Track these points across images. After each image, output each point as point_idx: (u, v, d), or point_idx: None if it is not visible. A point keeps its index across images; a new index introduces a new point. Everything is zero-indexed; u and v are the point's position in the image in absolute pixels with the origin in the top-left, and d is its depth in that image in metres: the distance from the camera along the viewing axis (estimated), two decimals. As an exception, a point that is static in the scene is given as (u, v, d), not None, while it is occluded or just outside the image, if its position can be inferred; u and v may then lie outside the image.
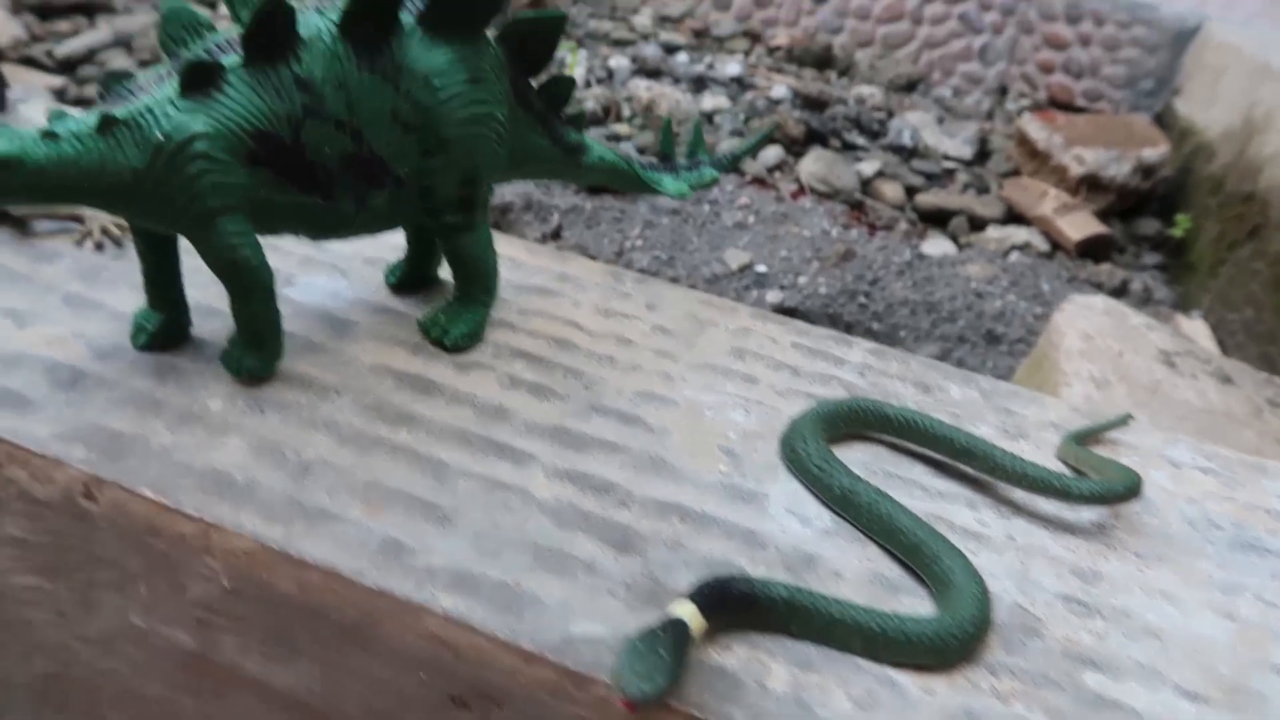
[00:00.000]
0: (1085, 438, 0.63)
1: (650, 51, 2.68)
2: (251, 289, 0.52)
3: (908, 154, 2.27)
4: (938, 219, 2.02)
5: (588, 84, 2.28)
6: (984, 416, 0.67)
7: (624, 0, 3.10)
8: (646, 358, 0.66)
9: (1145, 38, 2.71)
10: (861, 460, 0.59)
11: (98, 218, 0.69)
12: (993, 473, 0.57)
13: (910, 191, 2.10)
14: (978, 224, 2.02)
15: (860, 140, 2.30)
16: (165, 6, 0.52)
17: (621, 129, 2.13)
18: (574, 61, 2.20)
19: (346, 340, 0.62)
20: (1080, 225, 1.94)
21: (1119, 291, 1.81)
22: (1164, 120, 2.52)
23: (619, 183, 0.70)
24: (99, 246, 0.68)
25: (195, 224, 0.50)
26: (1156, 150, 2.09)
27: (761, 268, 1.64)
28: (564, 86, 0.64)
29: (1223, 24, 2.57)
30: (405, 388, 0.58)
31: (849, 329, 1.58)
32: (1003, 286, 1.71)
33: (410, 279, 0.68)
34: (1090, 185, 2.03)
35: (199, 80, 0.49)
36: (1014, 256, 1.88)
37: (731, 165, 0.73)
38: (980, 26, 2.84)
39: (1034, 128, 2.17)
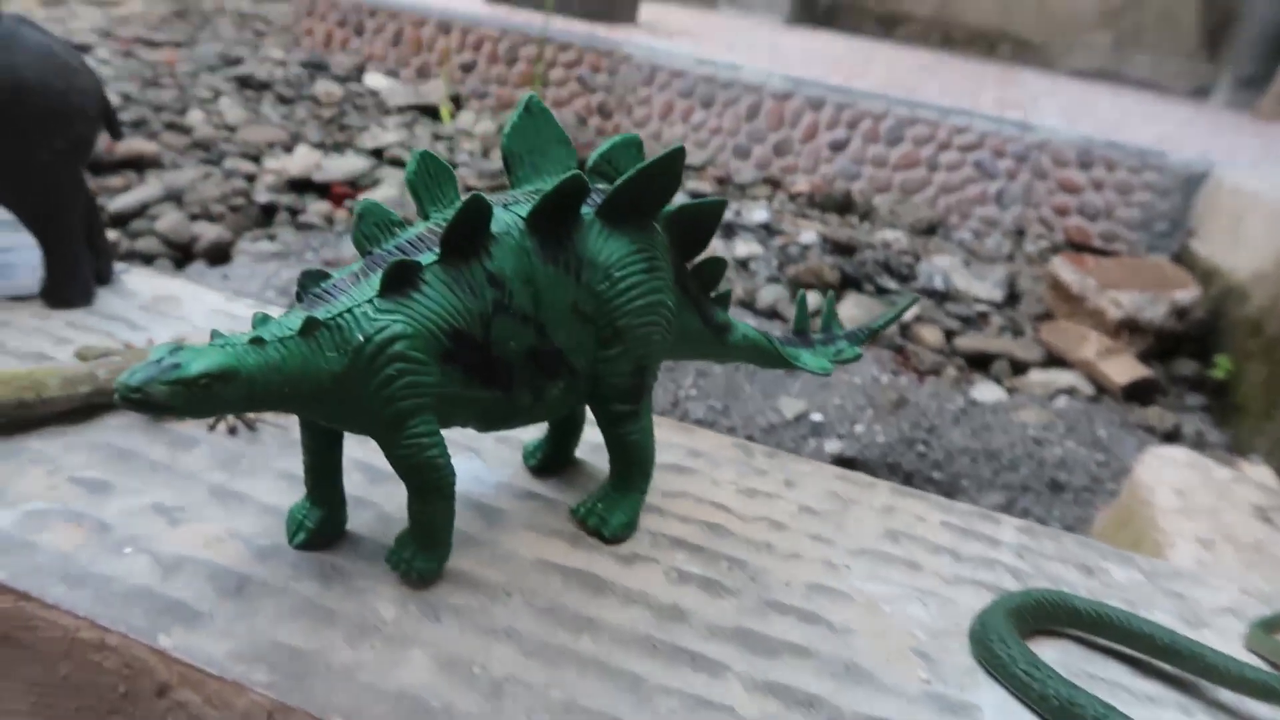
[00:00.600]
0: (1275, 626, 0.60)
1: (678, 200, 2.74)
2: (435, 490, 0.50)
3: (940, 297, 2.29)
4: (979, 362, 2.02)
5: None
6: (1155, 601, 0.64)
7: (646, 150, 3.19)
8: (803, 544, 0.63)
9: (1156, 182, 2.79)
10: (1055, 660, 0.55)
11: (229, 400, 0.67)
12: (1205, 674, 0.53)
13: (949, 335, 2.11)
14: (1019, 368, 2.03)
15: (892, 284, 2.33)
16: (360, 205, 0.51)
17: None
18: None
19: (501, 530, 0.59)
20: (1124, 369, 1.95)
21: (1172, 436, 1.79)
22: (1183, 261, 2.57)
23: (761, 360, 0.69)
24: (232, 431, 0.65)
25: (387, 425, 0.48)
26: (1188, 293, 2.12)
27: (817, 416, 1.63)
28: (717, 268, 0.63)
29: (1231, 168, 2.66)
30: (574, 586, 0.55)
31: (909, 479, 1.55)
32: (1059, 433, 1.69)
33: (551, 461, 0.66)
34: (1130, 329, 2.04)
35: (400, 281, 0.48)
36: (1061, 401, 1.87)
37: (869, 338, 0.72)
38: (995, 172, 2.93)
39: (1066, 271, 2.20)
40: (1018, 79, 4.59)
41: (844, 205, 2.94)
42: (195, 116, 2.69)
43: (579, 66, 3.25)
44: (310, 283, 0.49)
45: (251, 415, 0.67)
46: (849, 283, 2.26)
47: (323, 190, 2.32)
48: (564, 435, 0.66)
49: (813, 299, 2.13)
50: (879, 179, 3.04)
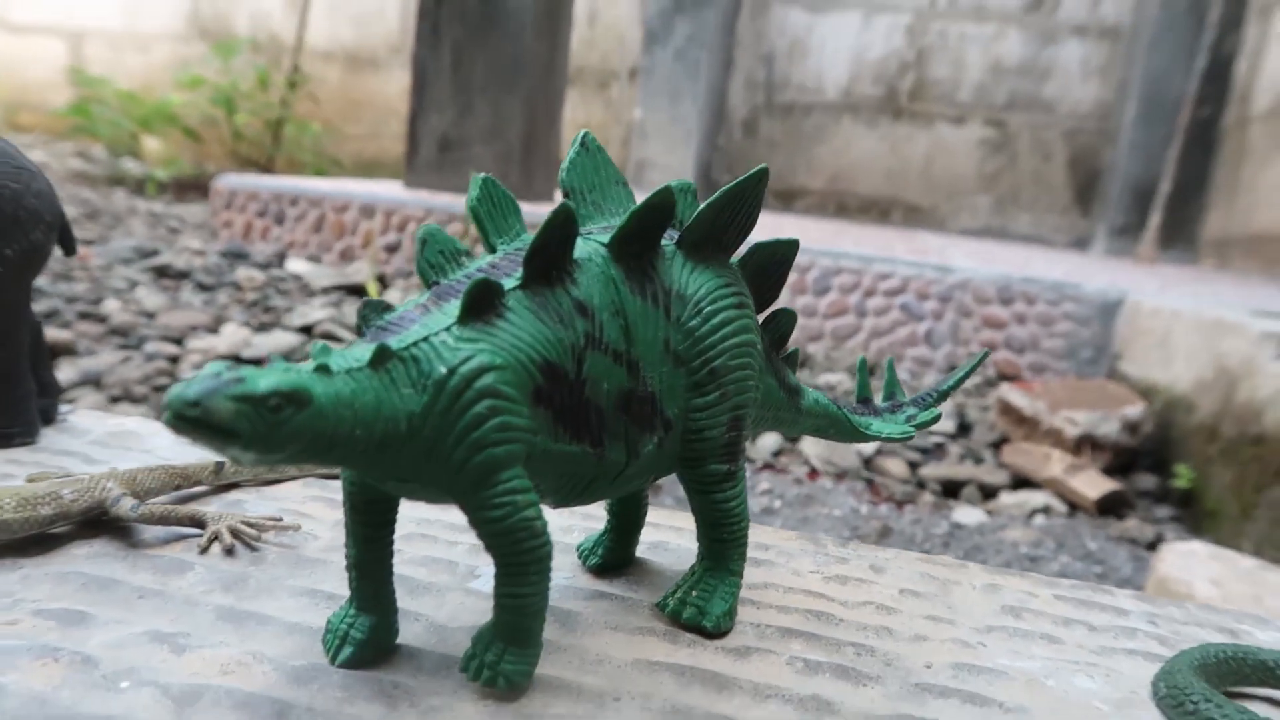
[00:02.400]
0: None
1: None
2: (532, 563, 0.40)
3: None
4: (950, 490, 1.98)
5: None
6: (1315, 658, 0.56)
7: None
8: (922, 625, 0.54)
9: (1075, 312, 2.90)
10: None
11: (224, 518, 0.56)
12: None
13: (912, 466, 2.07)
14: (989, 492, 1.99)
15: (847, 422, 2.29)
16: (422, 231, 0.44)
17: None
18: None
19: (581, 634, 0.48)
20: (1094, 484, 1.93)
21: (1154, 544, 1.76)
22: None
23: (832, 429, 0.61)
24: (229, 551, 0.54)
25: (474, 479, 0.39)
26: (1135, 408, 2.15)
27: (806, 551, 1.54)
28: (789, 322, 0.57)
29: (1142, 295, 2.78)
30: (691, 684, 0.45)
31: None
32: (1051, 549, 1.64)
33: (614, 559, 0.57)
34: (1091, 445, 2.04)
35: (482, 305, 0.40)
36: (1040, 519, 1.83)
37: (940, 399, 0.66)
38: (921, 314, 3.00)
39: (1016, 396, 2.22)
40: (917, 237, 4.84)
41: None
42: (111, 305, 2.58)
43: (505, 240, 3.27)
44: (372, 314, 0.41)
45: (251, 532, 0.55)
46: (805, 423, 2.21)
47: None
48: (627, 528, 0.57)
49: (772, 437, 2.07)
50: (810, 328, 3.08)
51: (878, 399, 0.65)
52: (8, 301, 0.68)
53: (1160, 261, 4.94)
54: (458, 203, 3.35)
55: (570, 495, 0.45)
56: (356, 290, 3.05)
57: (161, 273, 2.98)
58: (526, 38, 3.67)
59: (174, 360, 2.20)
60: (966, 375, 0.66)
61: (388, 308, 0.41)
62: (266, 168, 5.49)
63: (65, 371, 1.97)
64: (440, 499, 0.40)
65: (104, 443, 0.73)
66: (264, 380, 0.33)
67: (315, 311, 2.67)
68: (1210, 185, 5.20)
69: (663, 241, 0.48)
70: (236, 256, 3.29)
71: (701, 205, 0.49)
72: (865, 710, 0.44)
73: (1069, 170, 5.94)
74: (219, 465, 0.64)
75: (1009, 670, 0.50)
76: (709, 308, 0.47)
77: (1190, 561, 1.14)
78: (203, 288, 2.91)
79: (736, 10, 6.37)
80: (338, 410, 0.35)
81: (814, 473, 1.93)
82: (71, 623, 0.45)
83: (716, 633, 0.49)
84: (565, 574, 0.56)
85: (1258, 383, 1.84)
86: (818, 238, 3.90)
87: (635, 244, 0.46)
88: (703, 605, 0.50)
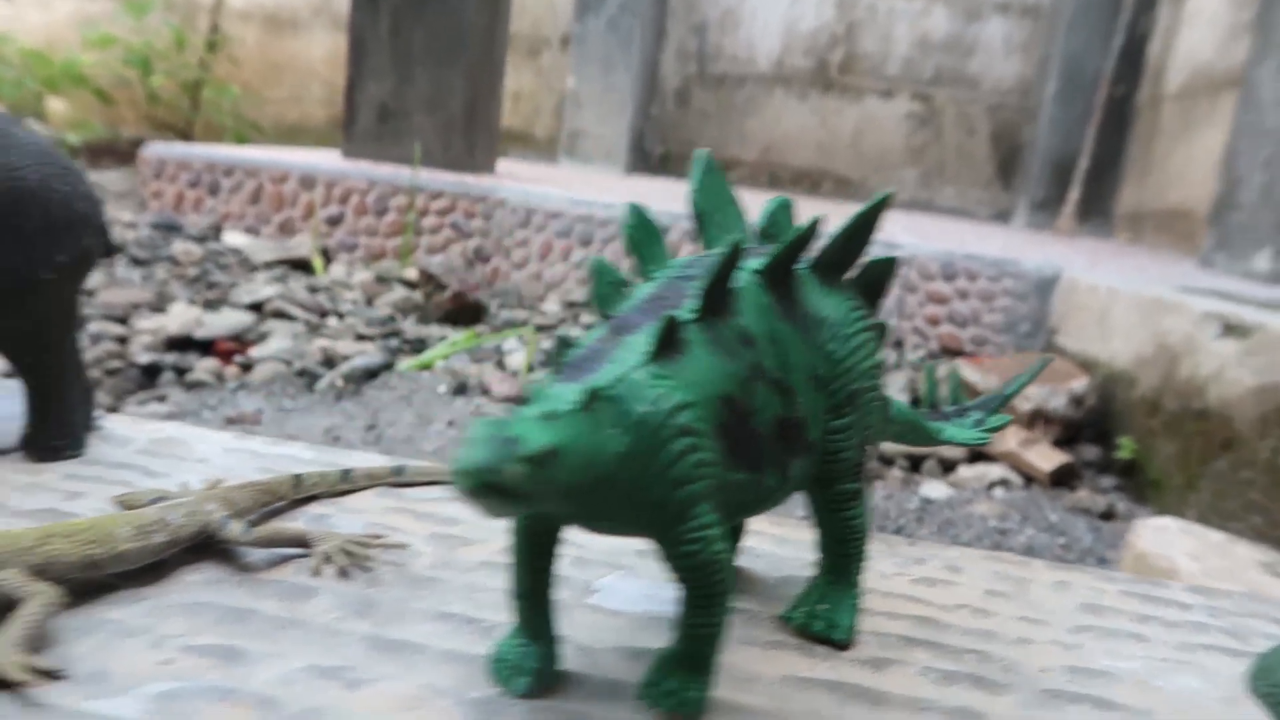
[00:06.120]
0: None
1: (577, 333, 2.70)
2: (718, 595, 0.41)
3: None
4: (913, 465, 2.04)
5: (531, 369, 2.24)
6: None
7: (528, 289, 3.17)
8: (1019, 627, 0.57)
9: (1014, 288, 3.00)
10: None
11: (328, 538, 0.55)
12: None
13: (874, 441, 2.13)
14: (948, 465, 2.06)
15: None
16: (593, 263, 0.44)
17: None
18: (532, 348, 2.17)
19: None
20: (1047, 457, 2.01)
21: (1108, 515, 1.85)
22: (1053, 357, 2.74)
23: (910, 436, 0.63)
24: (343, 573, 0.53)
25: (672, 515, 0.39)
26: (1080, 382, 2.25)
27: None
28: (883, 333, 0.59)
29: (1076, 271, 2.89)
30: (847, 700, 0.46)
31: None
32: (1016, 522, 1.71)
33: (722, 569, 0.58)
34: (1043, 419, 2.13)
35: (670, 341, 0.40)
36: (999, 492, 1.91)
37: (1002, 404, 0.69)
38: (869, 289, 3.07)
39: (968, 371, 2.29)
40: (848, 209, 4.93)
41: (733, 330, 2.97)
42: (45, 281, 2.44)
43: (452, 213, 3.21)
44: (564, 350, 0.40)
45: (364, 553, 0.55)
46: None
47: (205, 347, 2.13)
48: (733, 540, 0.58)
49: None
50: (761, 303, 3.11)
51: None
52: (59, 309, 0.65)
53: (1078, 234, 5.13)
54: (399, 174, 3.27)
55: (725, 520, 0.46)
56: (300, 265, 2.96)
57: (92, 247, 2.84)
58: (468, 7, 3.59)
59: (122, 341, 2.11)
60: (1028, 381, 0.68)
61: (577, 344, 0.41)
62: (184, 132, 5.26)
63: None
64: (632, 533, 0.40)
65: (152, 452, 0.70)
66: (533, 437, 0.33)
67: (263, 288, 2.59)
68: (1125, 161, 5.41)
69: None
70: (169, 229, 3.15)
71: (837, 231, 0.50)
72: (1011, 718, 0.46)
73: (992, 145, 6.11)
74: (297, 478, 0.63)
75: (1114, 671, 0.52)
76: (847, 331, 0.49)
77: (1166, 537, 1.21)
78: (138, 262, 2.79)
79: (671, -21, 6.31)
80: (573, 457, 0.35)
81: (785, 451, 1.97)
82: (227, 659, 0.44)
83: (845, 644, 0.51)
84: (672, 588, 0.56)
85: (1200, 360, 1.95)
86: (754, 211, 3.91)
87: (783, 270, 0.46)
88: (831, 618, 0.51)
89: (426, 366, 2.13)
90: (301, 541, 0.55)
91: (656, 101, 6.65)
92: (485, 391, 2.03)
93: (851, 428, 0.49)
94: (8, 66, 4.81)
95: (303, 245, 3.09)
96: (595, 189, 4.12)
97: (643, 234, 0.46)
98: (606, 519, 0.40)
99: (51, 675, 0.40)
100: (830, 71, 6.43)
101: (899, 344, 3.09)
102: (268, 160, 3.32)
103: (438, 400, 1.92)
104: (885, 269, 0.55)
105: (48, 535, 0.47)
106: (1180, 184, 4.70)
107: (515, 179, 3.78)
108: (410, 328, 2.49)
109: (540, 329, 2.82)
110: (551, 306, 3.07)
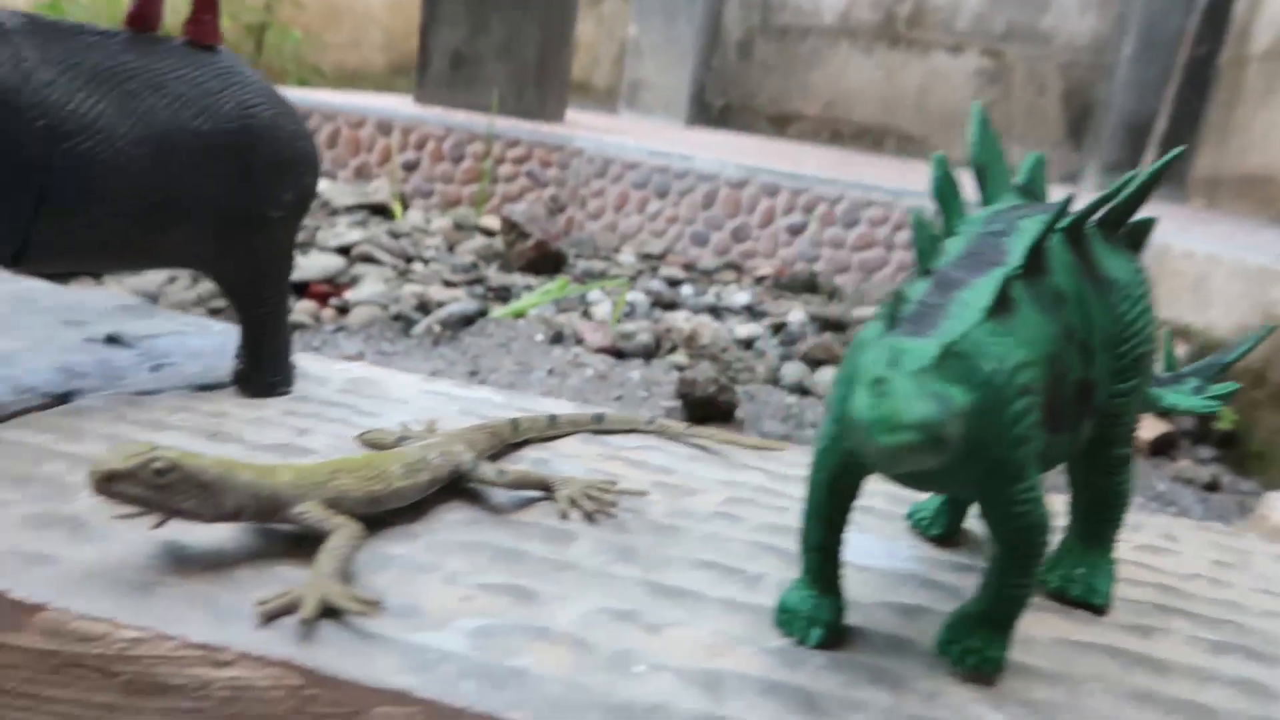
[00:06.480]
0: None
1: (656, 285, 2.70)
2: (1036, 557, 0.41)
3: (942, 369, 2.31)
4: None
5: (619, 320, 2.24)
6: None
7: (603, 240, 3.16)
8: (1260, 599, 0.56)
9: (1100, 253, 2.93)
10: None
11: (569, 483, 0.55)
12: None
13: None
14: (1040, 431, 2.04)
15: (893, 358, 2.32)
16: (914, 215, 0.43)
17: (679, 359, 2.09)
18: (622, 299, 2.17)
19: (981, 610, 0.49)
20: (1149, 425, 1.99)
21: (1212, 486, 1.83)
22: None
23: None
24: (589, 517, 0.54)
25: (1007, 475, 0.39)
26: (1179, 351, 2.21)
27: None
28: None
29: (1167, 237, 2.82)
30: (1131, 666, 0.46)
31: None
32: (1120, 490, 1.69)
33: (954, 529, 0.57)
34: (1139, 386, 2.10)
35: (1006, 299, 0.39)
36: (1097, 460, 1.89)
37: (1222, 371, 0.67)
38: (949, 250, 3.02)
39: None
40: (913, 167, 4.84)
41: (810, 286, 2.96)
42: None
43: (528, 162, 3.20)
44: (899, 304, 0.40)
45: (609, 499, 0.55)
46: (857, 359, 2.24)
47: (300, 289, 2.16)
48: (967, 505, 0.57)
49: (829, 372, 2.09)
50: (838, 260, 3.09)
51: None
52: (281, 249, 0.65)
53: (1150, 200, 5.01)
54: (475, 121, 3.26)
55: None
56: (379, 210, 2.97)
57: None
58: (544, -50, 3.54)
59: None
60: (1250, 349, 0.67)
61: (905, 298, 0.40)
62: (250, 74, 5.26)
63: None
64: (956, 492, 0.40)
65: (353, 391, 0.71)
66: (956, 395, 0.32)
67: (348, 232, 2.60)
68: (1203, 124, 5.25)
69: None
70: (249, 171, 3.17)
71: (1129, 189, 0.48)
72: (1297, 690, 0.46)
73: (1063, 104, 5.96)
74: (514, 423, 0.63)
75: (1376, 645, 0.52)
76: (1136, 293, 0.47)
77: (1300, 510, 1.18)
78: (222, 203, 2.81)
79: (739, -74, 6.18)
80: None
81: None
82: (521, 598, 0.44)
83: (1103, 609, 0.51)
84: (908, 543, 0.56)
85: (1313, 332, 1.90)
86: (822, 167, 3.87)
87: (1081, 229, 0.45)
88: (1090, 582, 0.51)
89: (520, 314, 2.13)
90: (545, 485, 0.55)
91: (718, 53, 6.54)
92: (579, 341, 2.03)
93: (1134, 391, 0.48)
94: (79, 6, 4.83)
95: (380, 190, 3.10)
96: (662, 140, 4.08)
97: (948, 186, 0.45)
98: (937, 477, 0.39)
99: (374, 606, 0.40)
100: (897, 25, 6.29)
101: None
102: (345, 104, 3.32)
103: (535, 348, 1.93)
104: (1146, 228, 0.53)
105: (335, 470, 0.47)
106: (1263, 148, 4.55)
107: (588, 129, 3.75)
108: (494, 275, 2.49)
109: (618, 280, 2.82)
110: (627, 258, 3.06)
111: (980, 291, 0.39)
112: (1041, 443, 0.40)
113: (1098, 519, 0.52)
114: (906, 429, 0.31)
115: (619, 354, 1.96)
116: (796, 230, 3.16)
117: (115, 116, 0.54)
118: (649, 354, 2.15)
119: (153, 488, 0.40)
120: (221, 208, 0.59)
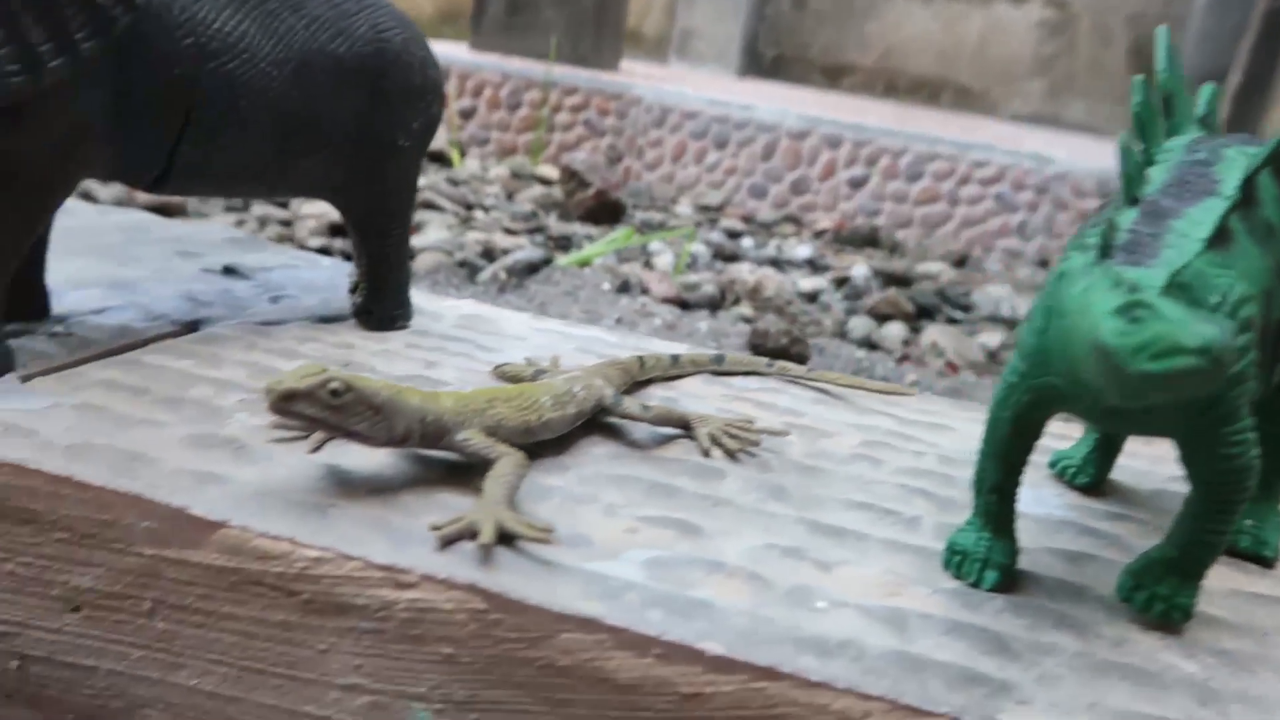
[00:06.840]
0: None
1: (716, 237, 2.67)
2: (1239, 503, 0.39)
3: (1009, 324, 2.27)
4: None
5: (681, 270, 2.22)
6: None
7: (660, 191, 3.12)
8: None
9: (1172, 211, 2.85)
10: None
11: (708, 421, 0.54)
12: None
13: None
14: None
15: (958, 314, 2.29)
16: (1122, 141, 0.41)
17: (745, 311, 2.07)
18: (687, 250, 2.15)
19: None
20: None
21: None
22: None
23: None
24: (731, 455, 0.53)
25: (1222, 415, 0.37)
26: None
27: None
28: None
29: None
30: (1310, 617, 0.44)
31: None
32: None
33: (1102, 477, 0.56)
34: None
35: (1226, 230, 0.37)
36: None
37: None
38: (1016, 205, 2.95)
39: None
40: (982, 124, 4.72)
41: (870, 240, 2.92)
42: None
43: (586, 110, 3.17)
44: (1112, 233, 0.38)
45: (752, 438, 0.54)
46: (923, 313, 2.21)
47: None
48: (1116, 447, 0.56)
49: (896, 328, 2.06)
50: (900, 214, 3.04)
51: None
52: (408, 179, 0.65)
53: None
54: (532, 68, 3.22)
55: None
56: (436, 157, 2.96)
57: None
58: (605, -109, 3.46)
59: (286, 224, 2.15)
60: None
61: (1117, 227, 0.38)
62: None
63: (189, 233, 1.92)
64: (1159, 433, 0.38)
65: (469, 327, 0.70)
66: (1226, 326, 0.31)
67: (408, 178, 2.60)
68: (1276, 79, 5.06)
69: None
70: (308, 115, 3.17)
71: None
72: None
73: (1129, 58, 5.76)
74: (641, 360, 0.62)
75: None
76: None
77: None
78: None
79: None
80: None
81: (952, 367, 1.93)
82: (686, 532, 0.43)
83: (1272, 561, 0.49)
84: (1057, 490, 0.55)
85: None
86: (882, 119, 3.78)
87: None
88: (1258, 534, 0.49)
89: (586, 263, 2.12)
90: (685, 423, 0.54)
91: (772, 1, 6.41)
92: (645, 290, 2.02)
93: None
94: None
95: (438, 138, 3.08)
96: (716, 90, 4.01)
97: (1148, 113, 0.43)
98: (1143, 417, 0.38)
99: (548, 532, 0.40)
100: (958, -27, 6.11)
101: (1044, 264, 2.98)
102: (403, 49, 3.29)
103: (602, 297, 1.92)
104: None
105: (491, 399, 0.47)
106: (1341, 106, 4.39)
107: (642, 78, 3.70)
108: (554, 224, 2.48)
109: (676, 230, 2.79)
110: (684, 209, 3.03)
111: (1196, 221, 0.37)
112: (1257, 383, 0.38)
113: (1269, 470, 0.49)
114: (1186, 353, 0.29)
115: (684, 304, 1.94)
116: (858, 183, 3.11)
117: (258, 37, 0.53)
118: (714, 305, 2.13)
119: (328, 408, 0.40)
120: (354, 133, 0.59)
